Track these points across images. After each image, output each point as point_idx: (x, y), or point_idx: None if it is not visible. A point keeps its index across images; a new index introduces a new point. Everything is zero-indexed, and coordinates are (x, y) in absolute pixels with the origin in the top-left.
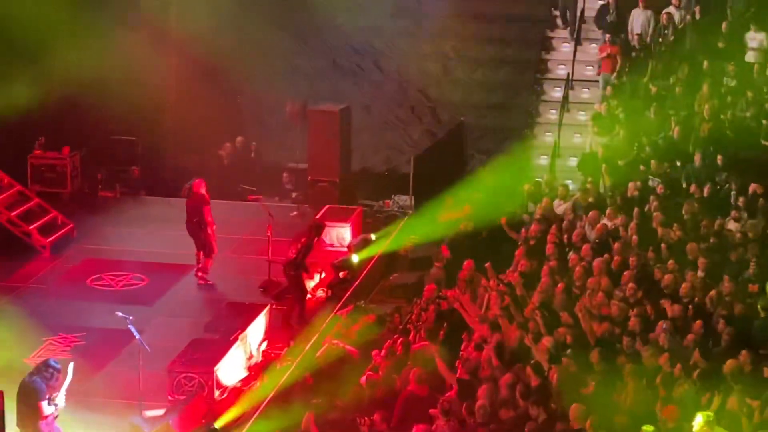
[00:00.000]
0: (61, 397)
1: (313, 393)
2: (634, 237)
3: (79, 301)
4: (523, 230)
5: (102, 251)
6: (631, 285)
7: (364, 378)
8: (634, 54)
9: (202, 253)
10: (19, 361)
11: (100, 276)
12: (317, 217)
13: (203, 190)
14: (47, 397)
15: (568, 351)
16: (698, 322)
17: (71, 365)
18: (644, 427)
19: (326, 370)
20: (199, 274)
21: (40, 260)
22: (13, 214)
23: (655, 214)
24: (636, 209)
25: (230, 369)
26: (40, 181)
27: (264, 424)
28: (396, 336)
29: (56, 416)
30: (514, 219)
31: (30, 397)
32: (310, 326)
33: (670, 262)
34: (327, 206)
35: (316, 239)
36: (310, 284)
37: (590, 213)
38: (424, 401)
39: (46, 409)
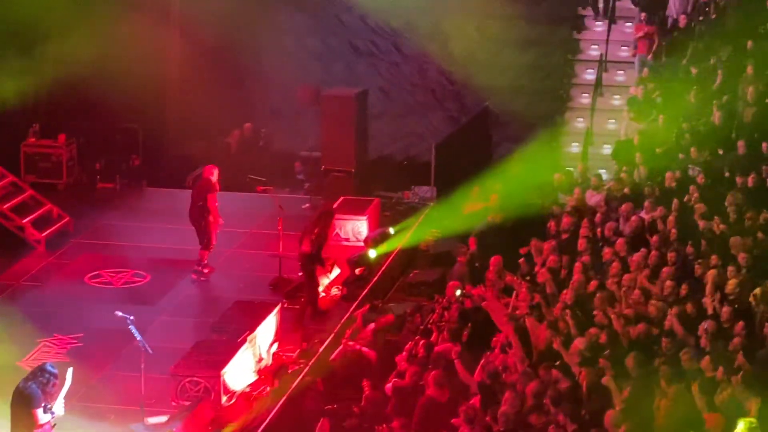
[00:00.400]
0: (58, 405)
1: (326, 399)
2: (673, 230)
3: (76, 299)
4: (552, 223)
5: (101, 246)
6: (668, 282)
7: (389, 385)
8: (672, 34)
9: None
10: (12, 364)
11: (98, 273)
12: (326, 203)
13: (213, 177)
14: (42, 404)
15: (604, 353)
16: (740, 323)
17: (70, 370)
18: None
19: (341, 374)
20: (196, 267)
21: (34, 256)
22: (5, 206)
23: (696, 205)
24: (675, 201)
25: (238, 373)
26: (35, 171)
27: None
28: (417, 337)
29: (54, 425)
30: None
31: (24, 405)
32: (324, 326)
33: (713, 257)
34: (342, 198)
35: (328, 228)
36: (325, 280)
37: (624, 205)
38: (444, 407)
39: (42, 417)
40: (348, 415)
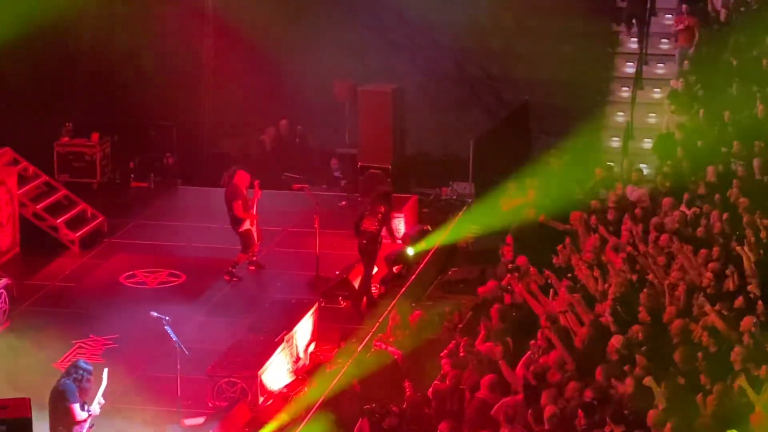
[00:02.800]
0: (95, 405)
1: (363, 400)
2: (717, 225)
3: (111, 300)
4: (592, 218)
5: (135, 246)
6: (712, 277)
7: (430, 390)
8: (713, 26)
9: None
10: (47, 365)
11: (133, 273)
12: (383, 183)
13: (241, 183)
14: (79, 399)
15: (642, 349)
16: None
17: (105, 371)
18: None
19: (371, 374)
20: (230, 269)
21: (68, 256)
22: (38, 206)
23: (741, 200)
24: (718, 195)
25: (275, 373)
26: (68, 170)
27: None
28: (458, 337)
29: (91, 426)
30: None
31: (61, 401)
32: (362, 325)
33: (761, 252)
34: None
35: (391, 208)
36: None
37: (665, 200)
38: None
39: (79, 412)
40: (387, 414)
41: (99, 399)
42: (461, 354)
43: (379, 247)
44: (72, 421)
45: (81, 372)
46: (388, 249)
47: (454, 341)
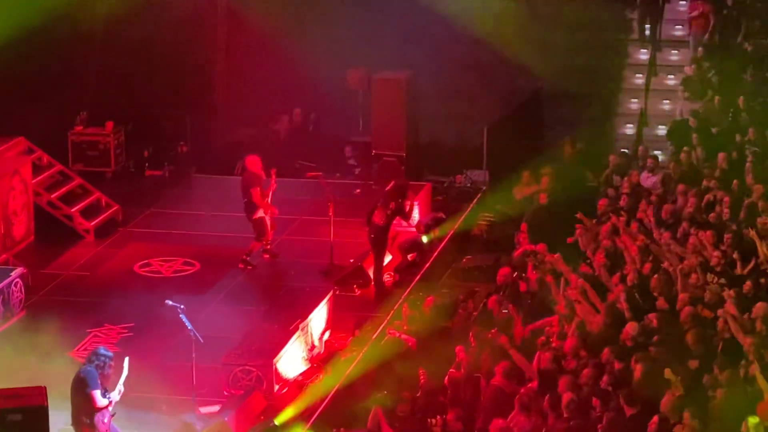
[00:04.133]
0: (115, 392)
1: (378, 387)
2: (726, 211)
3: (126, 289)
4: (605, 204)
5: (150, 235)
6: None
7: (446, 378)
8: (727, 12)
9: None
10: (63, 354)
11: (148, 262)
12: (399, 176)
13: (256, 168)
14: (100, 385)
15: (655, 338)
16: None
17: (126, 359)
18: (750, 418)
19: (385, 362)
20: (244, 257)
21: (83, 245)
22: (53, 196)
23: (755, 186)
24: (735, 181)
25: (291, 361)
26: (82, 159)
27: (328, 420)
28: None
29: (113, 414)
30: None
31: (82, 388)
32: (377, 313)
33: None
34: (393, 182)
35: (405, 201)
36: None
37: (680, 186)
38: (511, 398)
39: (99, 399)
40: (399, 401)
41: (120, 387)
42: (473, 343)
43: (389, 239)
44: (93, 408)
45: (102, 359)
46: (402, 237)
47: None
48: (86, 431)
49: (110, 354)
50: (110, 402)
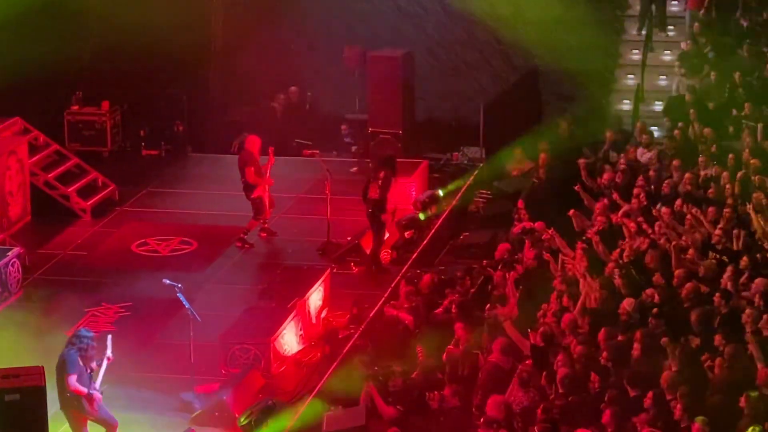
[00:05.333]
0: (100, 373)
1: (375, 364)
2: (728, 186)
3: (123, 268)
4: (604, 180)
5: (146, 214)
6: (723, 240)
7: (444, 355)
8: None
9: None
10: (60, 334)
11: (145, 241)
12: (387, 149)
13: (254, 148)
14: (80, 368)
15: (654, 311)
16: None
17: (109, 338)
18: (750, 393)
19: (382, 339)
20: (241, 235)
21: (80, 225)
22: (50, 175)
23: (751, 161)
24: (731, 156)
25: (288, 339)
26: (79, 139)
27: (326, 397)
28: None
29: (101, 392)
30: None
31: (60, 371)
32: (374, 291)
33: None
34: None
35: (393, 173)
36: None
37: (675, 162)
38: (508, 374)
39: (74, 383)
40: (391, 375)
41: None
42: (453, 311)
43: (388, 213)
44: (68, 390)
45: (84, 340)
46: (399, 214)
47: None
48: (73, 412)
49: (91, 335)
50: (91, 389)
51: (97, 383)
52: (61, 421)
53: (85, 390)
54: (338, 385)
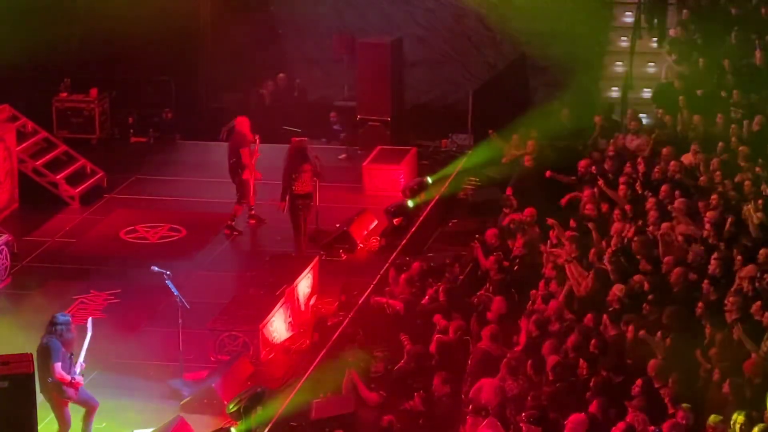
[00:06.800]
0: (81, 356)
1: (364, 350)
2: (717, 173)
3: (112, 255)
4: (593, 168)
5: (135, 201)
6: (711, 226)
7: (432, 345)
8: None
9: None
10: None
11: (133, 228)
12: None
13: (245, 129)
14: (63, 354)
15: (643, 301)
16: None
17: (89, 320)
18: (732, 379)
19: (372, 327)
20: (229, 222)
21: (68, 212)
22: (38, 163)
23: (740, 148)
24: (720, 144)
25: (277, 327)
26: (67, 126)
27: (315, 385)
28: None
29: (81, 374)
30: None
31: (43, 359)
32: (363, 278)
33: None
34: (378, 147)
35: (313, 158)
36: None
37: (664, 149)
38: (498, 361)
39: (60, 372)
40: (373, 359)
41: (82, 358)
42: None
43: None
44: (54, 378)
45: (59, 326)
46: (388, 201)
47: (432, 288)
48: (54, 396)
49: (67, 318)
50: (72, 374)
51: (78, 364)
52: (50, 408)
53: (68, 377)
54: (329, 374)
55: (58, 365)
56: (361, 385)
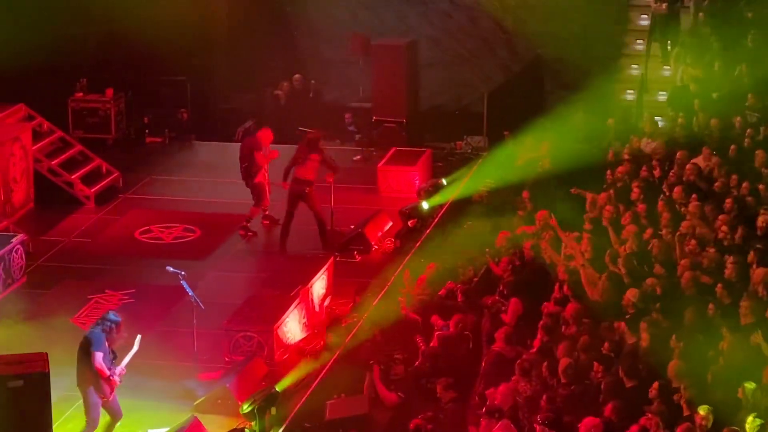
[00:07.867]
0: (123, 363)
1: (379, 351)
2: (733, 177)
3: (127, 255)
4: (608, 171)
5: (150, 201)
6: (724, 228)
7: (434, 340)
8: None
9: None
10: (65, 320)
11: (148, 228)
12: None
13: (264, 139)
14: (105, 348)
15: (657, 305)
16: None
17: (138, 337)
18: (746, 384)
19: (389, 328)
20: (244, 224)
21: (83, 212)
22: (54, 162)
23: (756, 152)
24: (733, 147)
25: (291, 327)
26: (83, 126)
27: (329, 386)
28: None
29: (120, 379)
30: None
31: (86, 348)
32: (377, 280)
33: None
34: (393, 149)
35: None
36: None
37: (679, 153)
38: (512, 363)
39: (99, 360)
40: (392, 363)
41: (124, 364)
42: (459, 299)
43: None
44: (95, 369)
45: (109, 323)
46: (403, 203)
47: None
48: (89, 390)
49: (118, 319)
50: (111, 373)
51: (119, 368)
52: (65, 407)
53: (107, 371)
54: (343, 375)
55: (99, 355)
56: (380, 385)
